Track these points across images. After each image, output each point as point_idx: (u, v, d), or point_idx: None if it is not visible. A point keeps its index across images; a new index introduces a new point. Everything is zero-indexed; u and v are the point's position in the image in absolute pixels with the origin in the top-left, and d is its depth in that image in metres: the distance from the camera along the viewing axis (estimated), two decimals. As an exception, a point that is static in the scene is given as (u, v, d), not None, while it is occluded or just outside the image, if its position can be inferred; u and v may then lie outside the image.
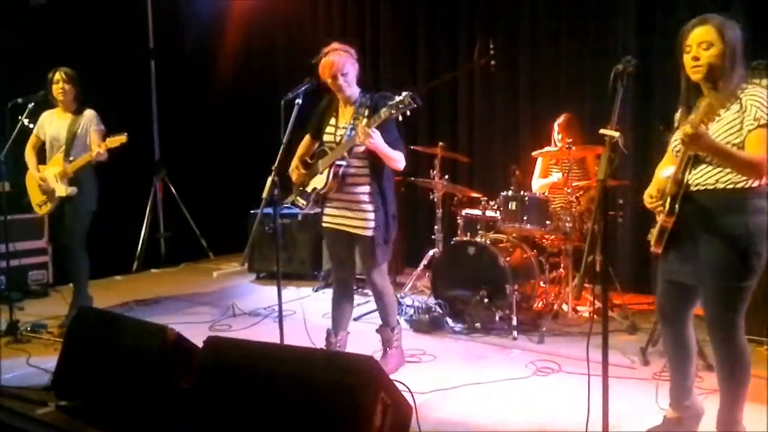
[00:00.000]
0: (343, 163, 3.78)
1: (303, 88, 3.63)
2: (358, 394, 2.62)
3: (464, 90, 6.76)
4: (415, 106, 3.50)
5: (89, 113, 4.98)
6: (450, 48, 6.81)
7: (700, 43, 2.68)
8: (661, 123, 5.15)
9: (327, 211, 3.95)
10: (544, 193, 5.30)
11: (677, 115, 2.96)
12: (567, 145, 5.07)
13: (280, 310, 3.54)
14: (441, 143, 5.44)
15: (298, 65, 7.68)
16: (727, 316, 2.72)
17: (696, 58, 2.68)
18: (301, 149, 4.08)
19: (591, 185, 5.24)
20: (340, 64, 3.77)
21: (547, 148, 5.40)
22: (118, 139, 4.82)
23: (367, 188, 3.83)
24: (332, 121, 3.92)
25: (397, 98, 3.51)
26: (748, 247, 2.64)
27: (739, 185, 2.65)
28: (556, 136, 5.40)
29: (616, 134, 2.49)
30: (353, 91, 3.86)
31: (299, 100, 3.58)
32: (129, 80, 7.18)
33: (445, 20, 6.84)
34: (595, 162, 5.43)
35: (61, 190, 4.88)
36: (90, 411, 3.33)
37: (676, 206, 2.72)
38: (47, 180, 4.93)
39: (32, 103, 4.81)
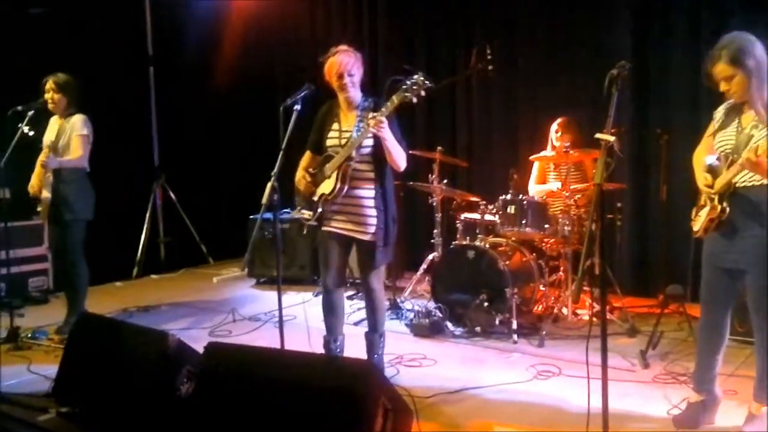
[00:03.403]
0: (352, 162, 3.75)
1: (302, 94, 3.63)
2: (359, 399, 2.62)
3: (462, 95, 6.78)
4: (429, 86, 3.50)
5: (75, 118, 4.92)
6: (448, 53, 6.84)
7: (723, 78, 2.96)
8: (658, 125, 5.21)
9: (328, 215, 3.88)
10: (542, 198, 5.31)
11: (719, 112, 3.16)
12: (564, 148, 5.08)
13: (281, 316, 3.55)
14: (440, 148, 5.45)
15: (296, 71, 7.79)
16: None
17: (725, 89, 2.98)
18: (303, 164, 4.03)
19: (589, 188, 5.26)
20: (348, 64, 3.76)
21: (543, 153, 5.41)
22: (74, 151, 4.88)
23: (370, 191, 3.81)
24: (335, 126, 3.88)
25: (410, 81, 3.50)
26: None
27: None
28: (554, 136, 5.41)
29: (612, 138, 2.57)
30: (357, 93, 3.84)
31: (298, 106, 3.58)
32: (128, 87, 7.20)
33: (443, 26, 6.86)
34: (592, 165, 5.44)
35: (44, 195, 4.88)
36: (91, 418, 3.34)
37: (725, 204, 3.00)
38: (40, 189, 4.94)
39: (32, 111, 4.80)
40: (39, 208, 5.01)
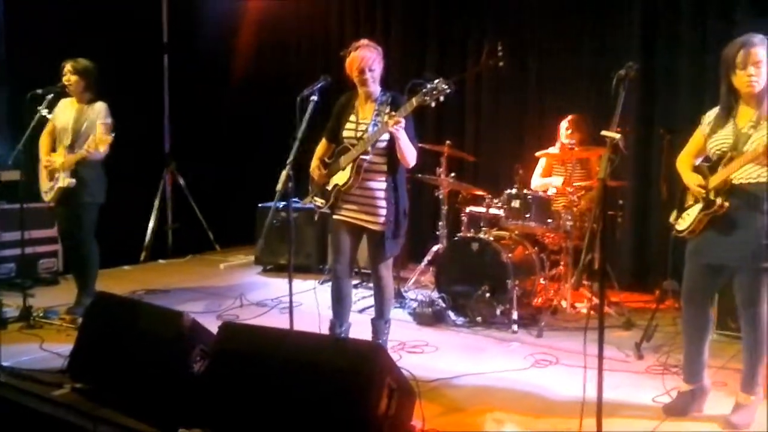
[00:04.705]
0: (368, 157, 3.85)
1: (318, 86, 3.71)
2: (366, 379, 2.74)
3: (471, 90, 6.87)
4: (449, 91, 3.59)
5: (99, 105, 4.98)
6: (459, 48, 6.93)
7: (756, 62, 3.03)
8: (663, 125, 5.31)
9: (340, 204, 3.99)
10: (544, 192, 5.42)
11: (709, 117, 3.28)
12: (570, 146, 5.18)
13: (291, 300, 3.65)
14: (448, 142, 5.55)
15: (310, 61, 7.91)
16: (760, 292, 3.11)
17: (752, 76, 3.04)
18: (318, 152, 4.14)
19: (593, 185, 5.37)
20: (370, 59, 3.85)
21: (550, 149, 5.51)
22: (105, 140, 4.77)
23: (383, 184, 3.92)
24: (352, 117, 3.98)
25: (430, 85, 3.59)
26: None
27: None
28: (564, 133, 5.49)
29: (617, 136, 2.68)
30: (376, 88, 3.94)
31: (315, 97, 3.66)
32: (142, 74, 7.27)
33: (454, 20, 6.96)
34: (597, 163, 5.54)
35: (62, 180, 4.90)
36: (105, 393, 3.44)
37: (721, 199, 3.10)
38: (53, 168, 4.99)
39: (51, 95, 4.87)
40: (44, 190, 5.07)
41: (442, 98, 3.62)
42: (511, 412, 3.40)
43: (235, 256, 7.58)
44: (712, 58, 5.35)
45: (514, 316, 4.77)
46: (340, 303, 4.14)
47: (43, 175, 5.10)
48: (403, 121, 3.70)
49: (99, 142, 4.74)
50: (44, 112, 4.88)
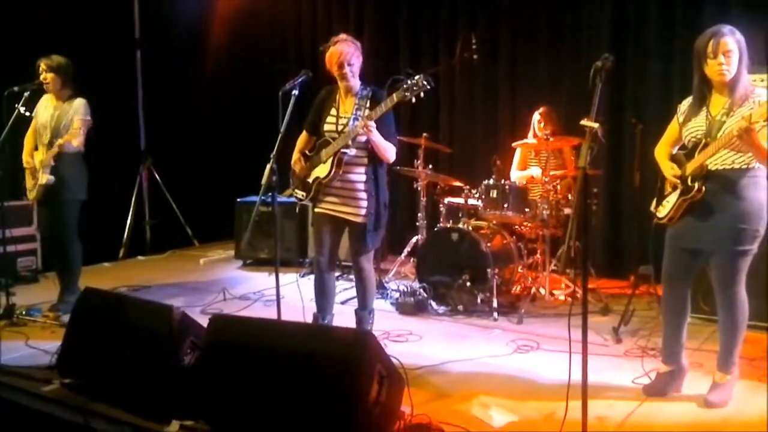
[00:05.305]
0: (348, 151, 3.90)
1: (300, 80, 3.75)
2: (357, 366, 2.79)
3: (445, 82, 6.94)
4: (429, 87, 3.66)
5: (78, 102, 4.98)
6: (432, 41, 7.01)
7: (726, 52, 3.13)
8: (633, 115, 5.45)
9: (321, 197, 4.05)
10: (522, 183, 5.53)
11: (683, 106, 3.40)
12: (545, 136, 5.30)
13: (278, 291, 3.67)
14: (425, 134, 5.63)
15: (283, 55, 7.92)
16: (736, 274, 3.23)
17: (722, 64, 3.14)
18: (299, 145, 4.19)
19: (567, 174, 5.50)
20: (348, 54, 3.90)
21: (526, 140, 5.62)
22: (75, 134, 4.80)
23: (363, 176, 3.98)
24: (333, 111, 4.03)
25: (410, 81, 3.65)
26: (757, 215, 3.18)
27: (751, 165, 3.17)
28: (536, 125, 5.62)
29: (596, 125, 2.77)
30: (356, 82, 3.99)
31: (296, 92, 3.70)
32: (115, 70, 7.25)
33: (426, 14, 7.03)
34: (571, 152, 5.67)
35: (41, 177, 4.90)
36: (96, 388, 3.44)
37: (698, 184, 3.21)
38: (35, 166, 4.99)
39: (28, 92, 4.86)
40: (28, 187, 5.06)
41: (422, 94, 3.68)
42: (496, 396, 3.49)
43: (214, 251, 7.58)
44: (680, 48, 5.52)
45: (495, 303, 4.87)
46: (323, 296, 4.20)
47: (27, 173, 5.11)
48: (373, 125, 3.77)
49: (71, 135, 4.76)
50: (22, 109, 4.86)
